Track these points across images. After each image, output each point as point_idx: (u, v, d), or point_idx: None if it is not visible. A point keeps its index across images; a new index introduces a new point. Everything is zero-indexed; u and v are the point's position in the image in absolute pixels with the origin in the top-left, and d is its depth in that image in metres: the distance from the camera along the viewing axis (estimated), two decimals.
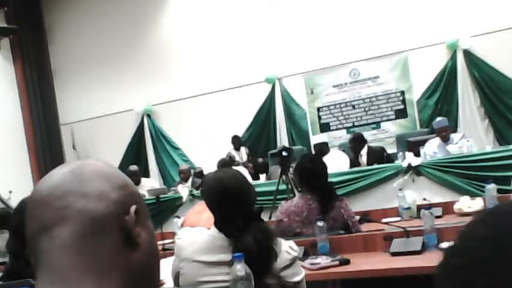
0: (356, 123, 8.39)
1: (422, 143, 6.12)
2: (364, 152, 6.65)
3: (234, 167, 4.93)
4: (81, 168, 0.76)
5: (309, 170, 3.41)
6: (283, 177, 5.39)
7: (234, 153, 8.43)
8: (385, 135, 8.21)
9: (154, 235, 0.80)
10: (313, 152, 8.08)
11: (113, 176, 0.77)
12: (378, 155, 6.36)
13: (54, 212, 0.72)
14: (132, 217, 0.75)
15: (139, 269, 0.75)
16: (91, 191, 0.73)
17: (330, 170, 6.11)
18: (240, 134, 8.83)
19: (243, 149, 8.62)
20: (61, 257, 0.71)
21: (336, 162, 6.68)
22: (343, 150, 6.99)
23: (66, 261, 0.71)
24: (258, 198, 2.37)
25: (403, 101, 8.11)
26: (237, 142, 8.59)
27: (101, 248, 0.72)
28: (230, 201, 1.97)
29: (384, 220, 3.72)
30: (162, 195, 6.50)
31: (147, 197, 6.61)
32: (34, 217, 0.74)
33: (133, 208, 0.75)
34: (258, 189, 2.48)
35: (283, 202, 3.55)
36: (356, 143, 6.70)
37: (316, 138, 7.42)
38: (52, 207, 0.72)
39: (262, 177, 7.33)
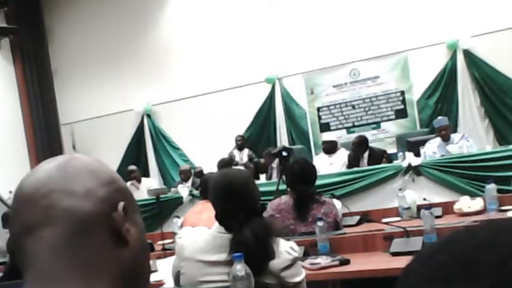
0: (356, 123, 8.39)
1: (422, 143, 6.12)
2: (366, 155, 6.62)
3: (234, 167, 4.93)
4: (67, 164, 0.74)
5: (293, 173, 3.55)
6: (283, 177, 5.38)
7: (235, 153, 8.40)
8: (385, 135, 8.20)
9: (143, 229, 0.78)
10: (313, 151, 8.12)
11: (100, 171, 0.75)
12: (379, 157, 6.36)
13: (39, 211, 0.70)
14: (120, 214, 0.73)
15: (130, 266, 0.74)
16: (77, 189, 0.71)
17: (337, 169, 6.17)
18: (240, 134, 8.81)
19: (246, 150, 8.58)
20: (49, 258, 0.69)
21: (344, 161, 6.69)
22: None
23: (55, 263, 0.69)
24: None
25: (403, 101, 8.11)
26: (240, 142, 8.56)
27: (89, 248, 0.70)
28: (233, 196, 1.99)
29: (384, 220, 3.73)
30: (162, 195, 6.50)
31: (147, 197, 6.61)
32: (18, 216, 0.71)
33: (121, 205, 0.73)
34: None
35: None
36: (359, 147, 6.66)
37: (325, 136, 7.38)
38: (37, 206, 0.70)
39: (262, 177, 7.32)
